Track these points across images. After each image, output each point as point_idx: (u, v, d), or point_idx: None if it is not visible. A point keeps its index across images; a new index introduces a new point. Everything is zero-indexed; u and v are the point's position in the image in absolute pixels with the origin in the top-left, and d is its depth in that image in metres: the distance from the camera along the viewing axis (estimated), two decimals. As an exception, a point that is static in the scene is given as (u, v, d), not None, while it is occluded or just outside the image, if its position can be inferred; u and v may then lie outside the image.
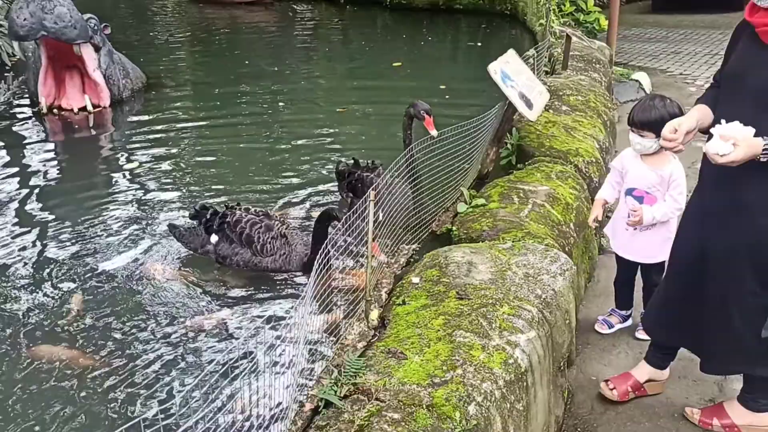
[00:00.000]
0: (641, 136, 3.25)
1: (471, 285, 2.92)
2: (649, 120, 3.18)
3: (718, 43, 11.46)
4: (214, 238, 4.15)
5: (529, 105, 4.23)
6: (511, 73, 4.27)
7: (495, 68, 4.09)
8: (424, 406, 2.23)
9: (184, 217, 4.94)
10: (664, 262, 3.52)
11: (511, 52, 4.55)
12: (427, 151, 3.98)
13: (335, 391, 2.32)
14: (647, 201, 3.36)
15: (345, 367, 2.42)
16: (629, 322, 3.71)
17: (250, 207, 4.34)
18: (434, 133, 4.24)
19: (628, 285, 3.67)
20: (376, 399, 2.29)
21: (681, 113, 3.13)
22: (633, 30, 12.91)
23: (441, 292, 2.89)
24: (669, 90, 8.10)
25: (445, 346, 2.52)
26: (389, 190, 3.82)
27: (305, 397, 2.41)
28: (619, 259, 3.63)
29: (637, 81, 8.43)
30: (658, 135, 3.16)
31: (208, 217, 4.20)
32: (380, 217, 3.44)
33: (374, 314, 2.84)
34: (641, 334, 3.59)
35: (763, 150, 2.41)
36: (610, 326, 3.67)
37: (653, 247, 3.41)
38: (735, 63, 2.62)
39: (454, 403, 2.23)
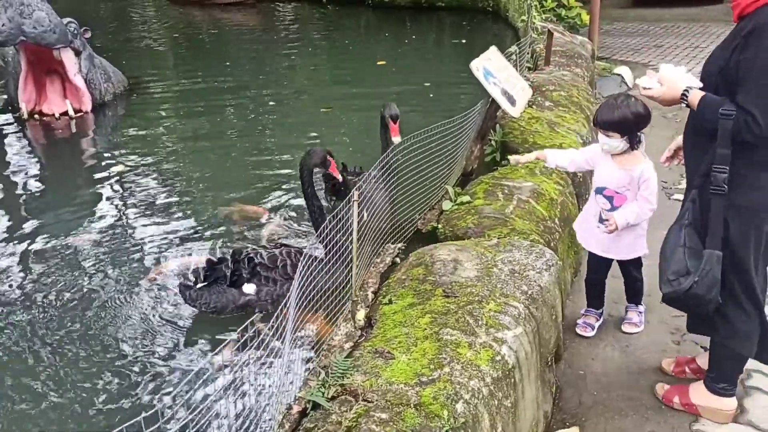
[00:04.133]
0: (607, 136, 3.19)
1: (457, 283, 2.92)
2: (613, 120, 3.12)
3: (699, 36, 11.53)
4: (250, 287, 3.69)
5: (512, 101, 4.24)
6: (494, 69, 4.27)
7: (477, 65, 4.09)
8: (411, 405, 2.23)
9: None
10: (641, 257, 3.52)
11: (493, 49, 4.55)
12: (411, 149, 3.96)
13: (323, 393, 2.31)
14: (617, 201, 3.31)
15: (332, 368, 2.41)
16: (602, 318, 3.69)
17: (257, 247, 3.95)
18: (396, 140, 4.09)
19: (601, 283, 3.61)
20: (364, 399, 2.28)
21: (646, 112, 3.11)
22: (615, 24, 12.96)
23: (427, 291, 2.89)
24: (651, 83, 8.13)
25: (432, 344, 2.52)
26: (372, 191, 3.80)
27: (293, 399, 2.40)
28: (591, 256, 3.55)
29: (619, 75, 8.48)
30: (623, 135, 3.16)
31: (231, 267, 3.69)
32: (365, 217, 3.42)
33: (361, 314, 2.84)
34: (627, 328, 3.60)
35: (682, 95, 2.55)
36: (592, 328, 3.64)
37: (626, 244, 3.38)
38: None
39: (442, 402, 2.23)
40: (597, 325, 3.64)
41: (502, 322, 2.65)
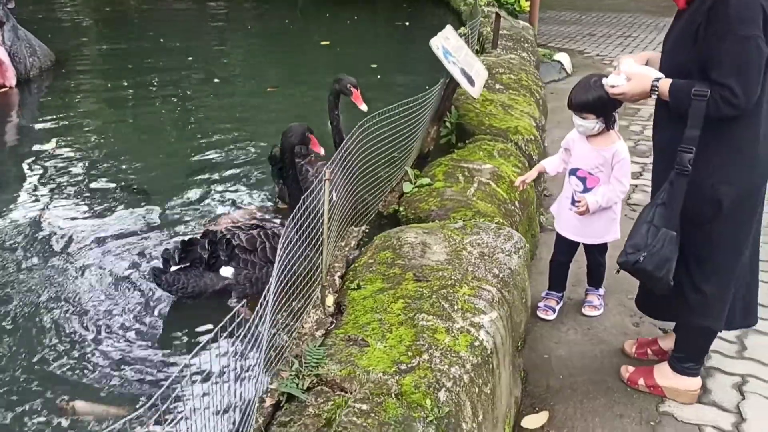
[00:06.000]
0: (582, 118, 3.16)
1: (427, 266, 2.83)
2: (588, 101, 3.09)
3: (629, 26, 11.83)
4: (228, 270, 3.45)
5: (471, 82, 4.16)
6: (452, 49, 4.18)
7: (437, 44, 3.99)
8: (392, 394, 2.12)
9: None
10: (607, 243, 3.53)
11: (449, 29, 4.46)
12: (369, 130, 3.82)
13: (297, 384, 2.17)
14: (590, 182, 3.30)
15: (305, 357, 2.27)
16: (562, 301, 3.70)
17: (232, 228, 3.63)
18: (364, 107, 4.06)
19: (566, 265, 3.62)
20: (342, 390, 2.16)
21: None
22: (548, 12, 13.14)
23: (397, 275, 2.78)
24: (589, 70, 8.24)
25: (408, 330, 2.41)
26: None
27: (264, 391, 2.24)
28: (560, 239, 3.55)
29: (559, 62, 8.57)
30: (598, 116, 3.14)
31: (208, 249, 3.43)
32: (334, 198, 3.27)
33: (330, 300, 2.70)
34: (588, 311, 3.60)
35: (652, 87, 2.55)
36: (553, 311, 3.63)
37: (598, 228, 3.38)
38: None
39: (424, 391, 2.13)
40: (558, 308, 3.63)
41: (477, 306, 2.57)
